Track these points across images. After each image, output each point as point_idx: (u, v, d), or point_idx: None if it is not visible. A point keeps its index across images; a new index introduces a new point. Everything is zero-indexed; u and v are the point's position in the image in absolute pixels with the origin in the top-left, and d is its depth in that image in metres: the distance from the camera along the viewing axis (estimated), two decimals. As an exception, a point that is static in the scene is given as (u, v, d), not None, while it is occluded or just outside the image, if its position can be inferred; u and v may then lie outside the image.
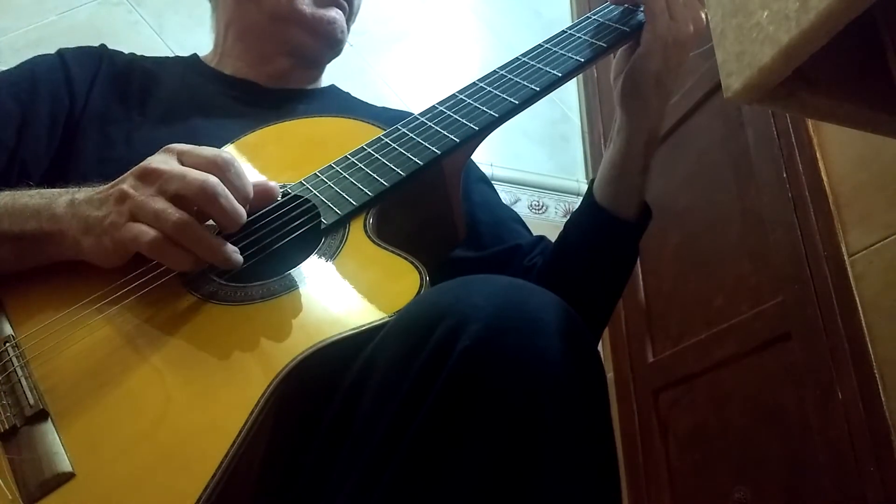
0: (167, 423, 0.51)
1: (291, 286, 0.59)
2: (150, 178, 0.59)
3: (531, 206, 1.94)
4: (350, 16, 0.99)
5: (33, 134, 0.81)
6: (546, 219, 1.93)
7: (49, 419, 0.52)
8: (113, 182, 0.62)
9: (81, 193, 0.63)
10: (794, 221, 1.30)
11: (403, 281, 0.57)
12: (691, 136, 1.65)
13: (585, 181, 2.06)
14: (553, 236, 0.87)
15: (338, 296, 0.59)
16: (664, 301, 1.69)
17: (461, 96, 0.76)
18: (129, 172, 0.61)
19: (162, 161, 0.60)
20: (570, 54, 0.77)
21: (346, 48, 1.00)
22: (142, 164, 0.61)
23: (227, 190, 0.59)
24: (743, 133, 1.50)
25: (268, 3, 0.93)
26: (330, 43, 0.97)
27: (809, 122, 1.30)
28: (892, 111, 0.54)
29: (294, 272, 0.61)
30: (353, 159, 0.72)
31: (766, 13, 0.47)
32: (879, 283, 1.12)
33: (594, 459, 0.45)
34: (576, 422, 0.44)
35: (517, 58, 0.79)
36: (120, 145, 0.82)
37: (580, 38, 0.78)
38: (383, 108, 1.04)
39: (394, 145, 0.72)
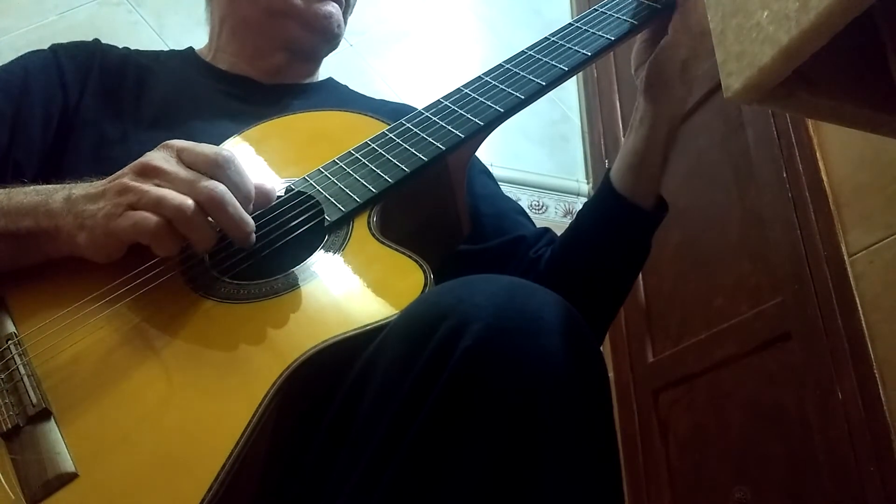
0: (170, 423, 0.51)
1: (295, 284, 0.59)
2: (151, 174, 0.58)
3: (531, 206, 1.94)
4: (346, 9, 0.97)
5: (26, 133, 0.80)
6: (546, 219, 1.93)
7: (52, 418, 0.52)
8: (111, 177, 0.61)
9: (78, 189, 0.62)
10: (794, 221, 1.30)
11: (408, 279, 0.56)
12: (691, 135, 1.65)
13: (585, 181, 2.06)
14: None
15: (342, 294, 0.59)
16: (664, 301, 1.69)
17: (466, 90, 0.75)
18: (127, 167, 0.60)
19: (162, 158, 0.59)
20: (576, 48, 0.76)
21: (346, 48, 1.00)
22: (140, 159, 0.60)
23: (235, 199, 0.58)
24: (743, 133, 1.50)
25: None
26: (327, 37, 0.95)
27: (809, 122, 1.30)
28: (892, 111, 0.54)
29: (298, 270, 0.60)
30: (356, 155, 0.71)
31: (766, 13, 0.47)
32: (879, 283, 1.13)
33: (596, 459, 0.45)
34: (577, 422, 0.44)
35: (523, 51, 0.78)
36: (115, 143, 0.81)
37: (586, 31, 0.77)
38: (382, 101, 1.03)
39: (398, 140, 0.71)
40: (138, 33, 1.70)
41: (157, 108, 0.87)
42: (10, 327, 0.59)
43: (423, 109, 0.75)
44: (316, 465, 0.49)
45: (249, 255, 0.63)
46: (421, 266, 0.57)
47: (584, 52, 0.75)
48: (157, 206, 0.56)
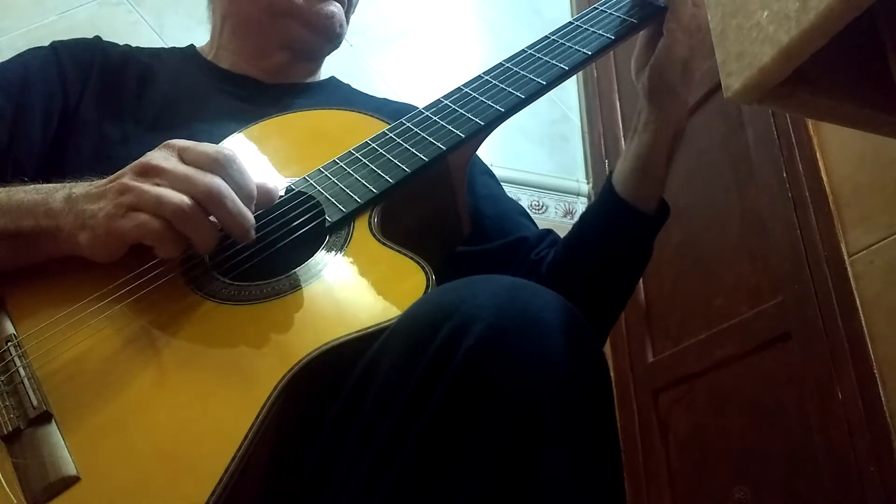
0: (173, 426, 0.50)
1: (296, 285, 0.59)
2: (151, 173, 0.58)
3: (531, 206, 1.94)
4: (349, 8, 0.97)
5: (26, 132, 0.79)
6: (546, 219, 1.94)
7: (53, 421, 0.51)
8: (111, 177, 0.60)
9: (79, 188, 0.62)
10: (794, 221, 1.30)
11: (409, 281, 0.56)
12: (691, 135, 1.65)
13: (585, 181, 2.07)
14: (553, 236, 0.86)
15: (343, 296, 0.59)
16: (664, 301, 1.69)
17: (467, 90, 0.74)
18: (128, 167, 0.60)
19: (163, 158, 0.59)
20: (577, 47, 0.75)
21: (347, 48, 1.00)
22: (141, 159, 0.60)
23: (234, 193, 0.58)
24: (743, 133, 1.50)
25: None
26: (329, 37, 0.95)
27: (809, 122, 1.30)
28: (892, 111, 0.54)
29: (298, 271, 0.60)
30: (357, 154, 0.71)
31: (766, 13, 0.47)
32: (879, 283, 1.13)
33: (597, 459, 0.45)
34: (579, 421, 0.44)
35: (523, 50, 0.77)
36: (116, 143, 0.81)
37: (587, 29, 0.77)
38: (385, 99, 1.02)
39: (398, 140, 0.71)
40: (138, 33, 1.70)
41: (158, 107, 0.86)
42: (10, 329, 0.59)
43: (423, 109, 0.74)
44: (319, 464, 0.49)
45: (250, 256, 0.63)
46: (423, 267, 0.57)
47: (584, 51, 0.75)
48: (156, 206, 0.56)
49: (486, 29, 2.15)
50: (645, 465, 1.63)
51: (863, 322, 1.14)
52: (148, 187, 0.57)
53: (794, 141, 1.34)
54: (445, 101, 0.74)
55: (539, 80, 0.73)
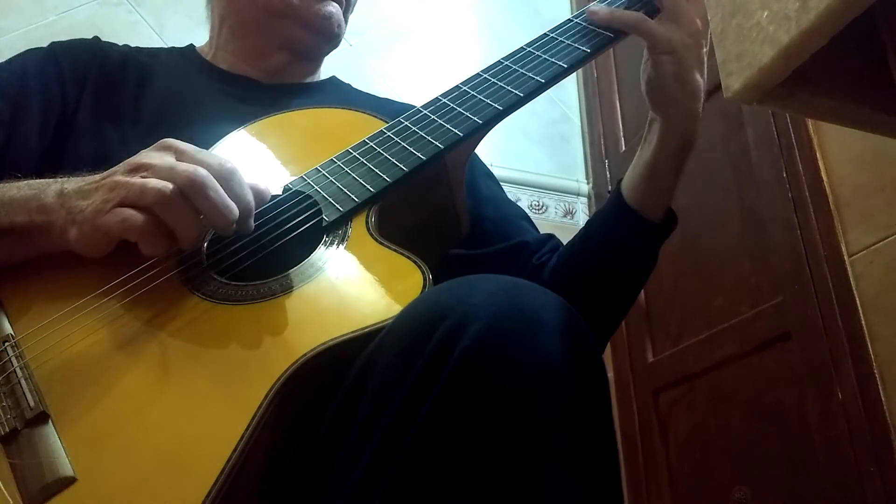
0: (170, 426, 0.50)
1: (293, 285, 0.58)
2: (141, 169, 0.58)
3: (531, 206, 1.94)
4: (347, 8, 0.97)
5: (24, 133, 0.79)
6: (546, 219, 1.94)
7: (50, 421, 0.51)
8: (104, 173, 0.61)
9: (70, 184, 0.62)
10: (794, 221, 1.30)
11: (407, 281, 0.56)
12: (691, 135, 1.65)
13: (585, 181, 2.06)
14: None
15: (340, 296, 0.59)
16: (664, 301, 1.69)
17: (465, 88, 0.74)
18: (121, 164, 0.60)
19: (157, 156, 0.59)
20: (575, 44, 0.75)
21: (346, 48, 1.00)
22: (134, 157, 0.60)
23: (217, 183, 0.57)
24: (743, 133, 1.50)
25: None
26: (327, 37, 0.95)
27: (809, 122, 1.30)
28: (892, 111, 0.54)
29: (296, 271, 0.60)
30: (354, 153, 0.70)
31: (766, 13, 0.47)
32: (879, 283, 1.12)
33: (595, 459, 0.45)
34: (576, 421, 0.44)
35: (522, 48, 0.77)
36: (114, 144, 0.80)
37: (586, 27, 0.76)
38: (386, 99, 1.02)
39: (396, 139, 0.70)
40: (138, 33, 1.70)
41: (157, 108, 0.86)
42: (7, 328, 0.59)
43: (421, 107, 0.74)
44: (316, 464, 0.49)
45: (247, 256, 0.63)
46: (420, 267, 0.57)
47: (583, 48, 0.74)
48: (139, 195, 0.56)
49: (486, 29, 2.15)
50: (645, 465, 1.63)
51: (863, 322, 1.14)
52: (135, 180, 0.57)
53: (794, 141, 1.33)
54: (444, 100, 0.74)
55: (538, 77, 0.72)
